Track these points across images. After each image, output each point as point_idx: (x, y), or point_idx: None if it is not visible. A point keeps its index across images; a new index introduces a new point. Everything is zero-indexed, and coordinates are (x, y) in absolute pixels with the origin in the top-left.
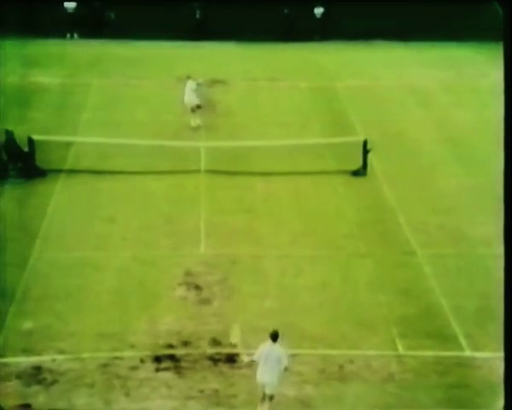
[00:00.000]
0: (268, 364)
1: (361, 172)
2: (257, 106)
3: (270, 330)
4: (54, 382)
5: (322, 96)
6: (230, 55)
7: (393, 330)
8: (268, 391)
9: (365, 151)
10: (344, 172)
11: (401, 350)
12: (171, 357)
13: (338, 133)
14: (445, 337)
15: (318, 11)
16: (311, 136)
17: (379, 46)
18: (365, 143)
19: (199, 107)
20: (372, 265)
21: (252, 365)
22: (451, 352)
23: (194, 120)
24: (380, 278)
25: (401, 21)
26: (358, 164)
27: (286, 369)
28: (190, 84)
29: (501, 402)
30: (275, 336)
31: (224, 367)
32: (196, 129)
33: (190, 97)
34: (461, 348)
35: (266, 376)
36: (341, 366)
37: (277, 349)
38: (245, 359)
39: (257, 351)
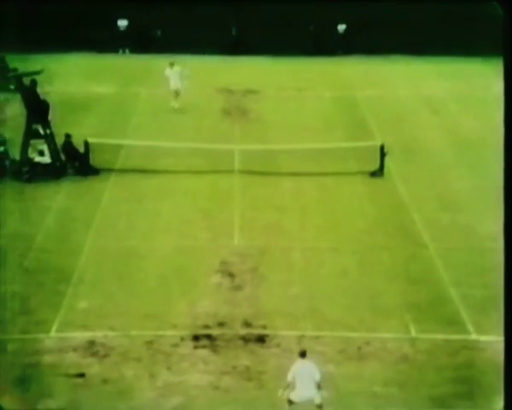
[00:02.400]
0: (304, 381)
1: (378, 173)
2: (285, 113)
3: (296, 314)
4: (105, 355)
5: (344, 104)
6: (262, 68)
7: (407, 315)
8: (316, 402)
9: (382, 154)
10: (363, 173)
11: (414, 334)
12: (208, 336)
13: (358, 138)
14: (453, 322)
15: (341, 28)
16: (333, 140)
17: (396, 60)
18: (382, 147)
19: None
20: (388, 257)
21: (280, 345)
22: (459, 335)
23: (175, 103)
24: (395, 269)
25: (417, 37)
26: (376, 166)
27: (319, 383)
28: (176, 70)
29: (501, 403)
30: (303, 354)
31: (255, 346)
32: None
33: (176, 82)
34: (468, 333)
35: (307, 392)
36: (359, 348)
37: (308, 365)
38: (283, 393)
39: (289, 372)
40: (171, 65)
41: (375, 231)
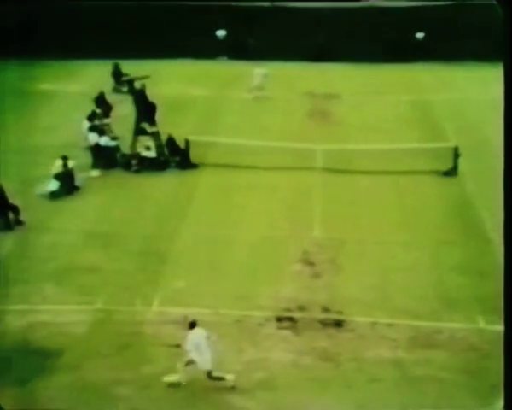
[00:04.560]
0: (202, 346)
1: (451, 172)
2: (364, 116)
3: (370, 302)
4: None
5: (419, 107)
6: (344, 74)
7: (475, 307)
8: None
9: (456, 155)
10: (437, 172)
11: (481, 324)
12: (290, 319)
13: (433, 139)
14: None
15: (419, 35)
16: (409, 141)
17: (469, 66)
18: (456, 148)
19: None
20: (457, 251)
21: (355, 330)
22: None
23: (254, 94)
24: (464, 263)
25: (487, 44)
26: (449, 166)
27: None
28: (261, 70)
29: (501, 402)
30: (193, 325)
31: (332, 330)
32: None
33: (259, 79)
34: None
35: (206, 354)
36: (429, 336)
37: (200, 331)
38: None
39: (186, 343)
40: (259, 66)
41: (446, 226)
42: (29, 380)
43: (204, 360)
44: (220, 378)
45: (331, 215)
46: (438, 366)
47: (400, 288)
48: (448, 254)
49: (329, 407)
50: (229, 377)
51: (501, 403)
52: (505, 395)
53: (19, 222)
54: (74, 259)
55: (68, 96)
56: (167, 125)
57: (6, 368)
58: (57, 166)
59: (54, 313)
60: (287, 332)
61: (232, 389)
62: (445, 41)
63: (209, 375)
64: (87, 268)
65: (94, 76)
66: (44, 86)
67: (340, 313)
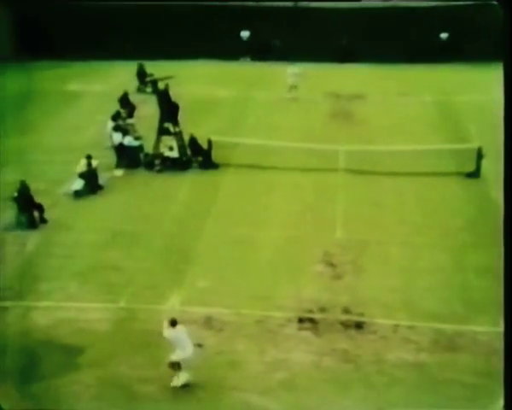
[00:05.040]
0: (181, 344)
1: (475, 174)
2: (388, 116)
3: (392, 304)
4: (220, 329)
5: (443, 108)
6: (368, 75)
7: (498, 309)
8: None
9: (479, 156)
10: (460, 174)
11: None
12: (311, 320)
13: (456, 140)
14: None
15: (444, 36)
16: (433, 142)
17: (494, 66)
18: (480, 150)
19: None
20: (480, 254)
21: (377, 332)
22: None
23: (289, 95)
24: (486, 266)
25: None
26: (473, 167)
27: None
28: (294, 69)
29: (501, 402)
30: (174, 323)
31: (353, 332)
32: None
33: (293, 78)
34: None
35: (185, 352)
36: (452, 339)
37: (180, 329)
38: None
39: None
40: (292, 65)
41: (469, 229)
42: (53, 377)
43: (185, 354)
44: (176, 368)
45: (353, 216)
46: (460, 370)
47: (422, 290)
48: (471, 256)
49: (350, 408)
50: (185, 376)
51: (501, 403)
52: (505, 395)
53: (43, 220)
54: (98, 257)
55: (94, 96)
56: (190, 125)
57: (31, 364)
58: (81, 165)
59: (78, 310)
60: (308, 333)
61: (186, 386)
62: (469, 41)
63: (172, 365)
64: (111, 267)
65: (119, 76)
66: (71, 87)
67: (361, 314)
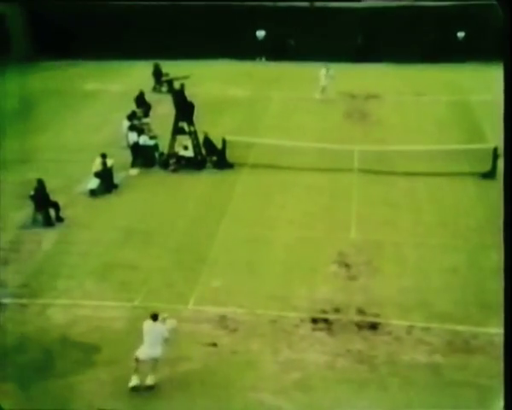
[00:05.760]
0: (152, 340)
1: (490, 174)
2: (403, 116)
3: (407, 305)
4: (235, 329)
5: (459, 108)
6: (383, 75)
7: None
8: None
9: (495, 157)
10: (475, 174)
11: None
12: (325, 320)
13: (471, 140)
14: None
15: (460, 35)
16: (448, 142)
17: None
18: (495, 150)
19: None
20: (495, 254)
21: (391, 333)
22: None
23: (319, 96)
24: (502, 267)
25: None
26: (488, 168)
27: (167, 339)
28: (325, 71)
29: (501, 402)
30: (154, 317)
31: (367, 333)
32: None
33: (324, 80)
34: None
35: (151, 350)
36: (466, 341)
37: (158, 326)
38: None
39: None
40: (324, 67)
41: (484, 229)
42: (69, 374)
43: (152, 353)
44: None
45: (368, 217)
46: (475, 372)
47: (437, 291)
48: (486, 257)
49: (364, 409)
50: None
51: (501, 403)
52: (505, 395)
53: (59, 219)
54: (113, 255)
55: (111, 95)
56: (206, 124)
57: (47, 361)
58: (97, 164)
59: (94, 308)
60: (322, 334)
61: (150, 388)
62: (486, 40)
63: (137, 360)
64: (126, 265)
65: (136, 76)
66: (88, 86)
67: (376, 315)
